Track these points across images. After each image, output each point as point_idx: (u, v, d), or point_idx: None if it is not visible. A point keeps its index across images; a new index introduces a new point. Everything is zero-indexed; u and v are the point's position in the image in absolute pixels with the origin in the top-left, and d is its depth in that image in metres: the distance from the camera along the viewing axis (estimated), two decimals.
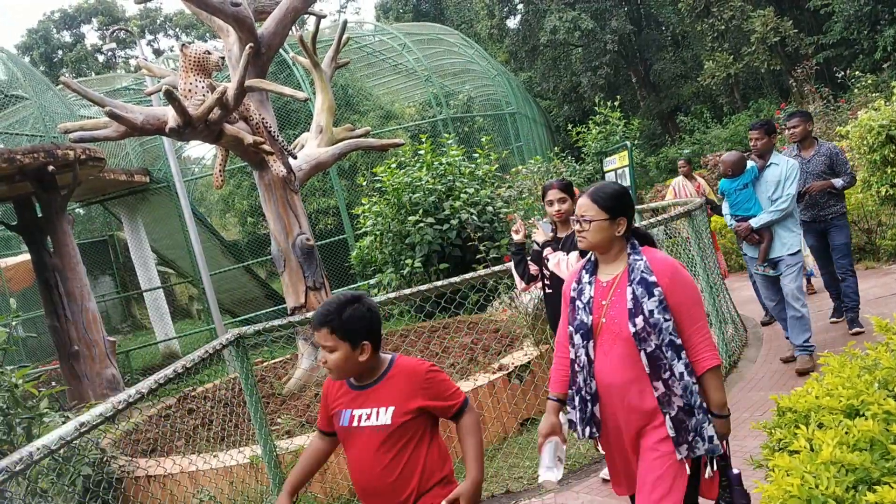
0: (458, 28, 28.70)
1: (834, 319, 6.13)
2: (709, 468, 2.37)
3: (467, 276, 4.84)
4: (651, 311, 2.35)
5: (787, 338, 5.41)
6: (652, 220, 5.60)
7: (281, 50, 8.58)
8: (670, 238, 6.22)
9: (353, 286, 12.83)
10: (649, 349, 2.34)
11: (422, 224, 8.77)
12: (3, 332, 4.66)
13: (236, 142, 6.16)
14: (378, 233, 9.46)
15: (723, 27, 20.82)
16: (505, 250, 8.47)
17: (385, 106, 17.75)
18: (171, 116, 5.54)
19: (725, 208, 5.64)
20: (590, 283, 2.55)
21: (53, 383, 8.87)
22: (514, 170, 13.10)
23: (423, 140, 9.69)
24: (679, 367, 2.34)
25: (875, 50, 18.81)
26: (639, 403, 2.37)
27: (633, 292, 2.40)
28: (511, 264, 4.45)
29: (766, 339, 6.35)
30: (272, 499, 4.54)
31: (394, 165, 9.53)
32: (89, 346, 8.41)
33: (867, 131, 6.94)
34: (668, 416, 2.32)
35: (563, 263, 3.82)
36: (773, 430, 2.31)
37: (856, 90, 15.63)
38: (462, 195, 9.10)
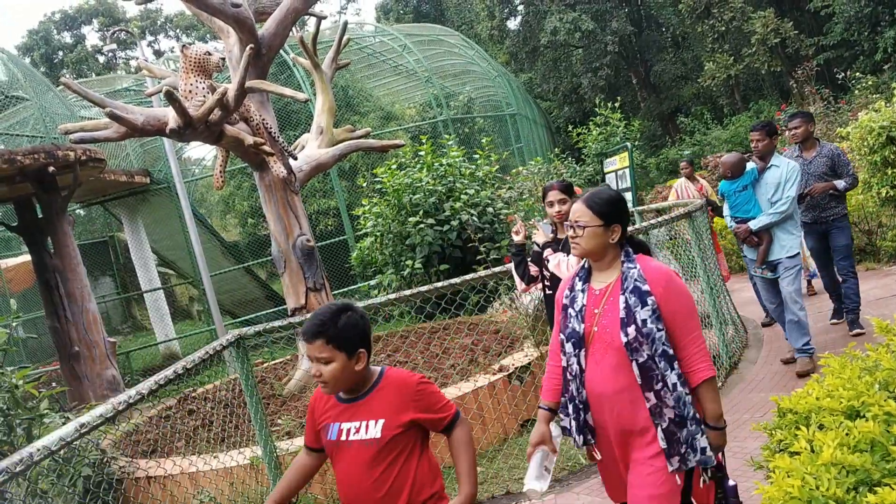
0: (459, 29, 28.71)
1: (834, 321, 6.12)
2: (703, 476, 2.34)
3: (467, 277, 4.83)
4: (644, 321, 2.30)
5: (788, 339, 5.40)
6: (652, 222, 5.60)
7: (281, 51, 8.59)
8: (672, 239, 6.23)
9: (353, 287, 12.85)
10: (641, 359, 2.30)
11: (422, 225, 8.78)
12: (3, 332, 4.66)
13: (237, 143, 6.16)
14: (378, 234, 9.47)
15: (723, 28, 20.83)
16: (505, 251, 8.48)
17: (385, 107, 17.76)
18: (171, 117, 5.55)
19: (726, 210, 5.64)
20: (582, 290, 2.50)
21: (54, 384, 8.88)
22: (514, 171, 13.11)
23: (424, 141, 9.70)
24: (672, 378, 2.29)
25: (875, 51, 18.82)
26: (630, 414, 2.33)
27: (626, 301, 2.35)
28: (511, 265, 4.46)
29: (766, 340, 6.35)
30: None
31: (394, 167, 9.54)
32: (90, 346, 8.41)
33: (867, 132, 6.95)
34: (659, 428, 2.28)
35: (564, 264, 3.82)
36: (773, 432, 2.31)
37: (856, 91, 15.64)
38: (462, 196, 9.11)
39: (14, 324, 4.83)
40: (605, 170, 14.35)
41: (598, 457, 2.51)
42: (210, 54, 5.91)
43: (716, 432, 2.35)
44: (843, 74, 21.98)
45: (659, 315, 2.32)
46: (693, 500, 2.35)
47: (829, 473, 1.75)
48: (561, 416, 2.54)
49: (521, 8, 27.49)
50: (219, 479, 4.73)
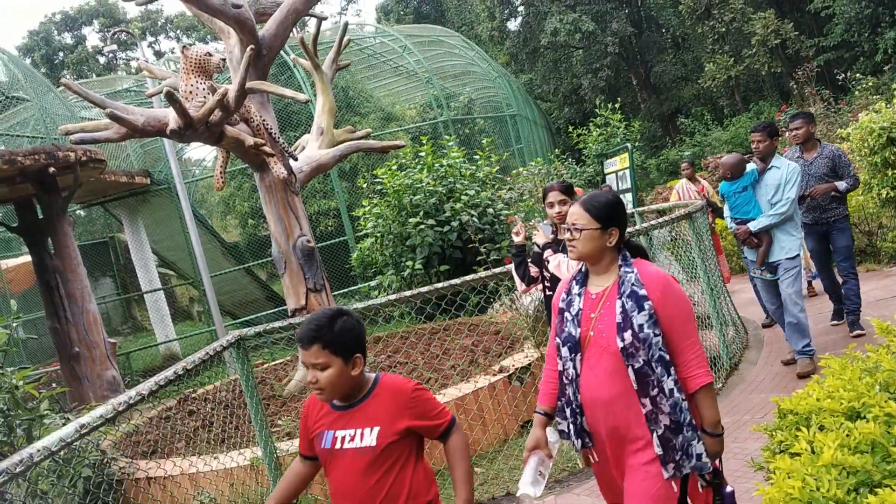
0: (459, 30, 28.72)
1: (835, 322, 6.12)
2: (700, 481, 2.32)
3: (468, 277, 4.83)
4: (641, 326, 2.28)
5: (788, 341, 5.40)
6: (653, 223, 5.60)
7: (282, 52, 8.59)
8: (674, 240, 6.23)
9: (353, 288, 12.86)
10: (637, 365, 2.27)
11: (422, 226, 8.78)
12: (3, 333, 4.66)
13: (237, 143, 6.17)
14: (379, 235, 9.47)
15: (723, 29, 20.84)
16: (505, 252, 8.48)
17: (386, 108, 17.78)
18: (171, 118, 5.55)
19: (726, 211, 5.64)
20: (579, 294, 2.48)
21: (54, 385, 8.89)
22: (514, 172, 13.11)
23: (424, 142, 9.70)
24: (668, 384, 2.27)
25: (876, 52, 18.83)
26: (625, 420, 2.31)
27: (623, 305, 2.33)
28: (511, 266, 4.45)
29: (766, 341, 6.35)
30: None
31: (394, 167, 9.54)
32: (90, 347, 8.41)
33: (868, 133, 6.94)
34: (655, 434, 2.26)
35: (564, 265, 3.82)
36: (774, 433, 2.31)
37: (856, 92, 15.64)
38: (463, 197, 9.11)
39: (14, 324, 4.83)
40: (606, 171, 14.36)
41: (595, 459, 2.49)
42: (211, 55, 5.91)
43: (713, 439, 2.33)
44: (843, 75, 21.98)
45: (656, 320, 2.30)
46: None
47: (829, 475, 1.75)
48: (559, 419, 2.52)
49: (521, 9, 27.51)
50: (219, 479, 4.73)
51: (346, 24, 8.04)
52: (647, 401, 2.27)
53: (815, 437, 1.92)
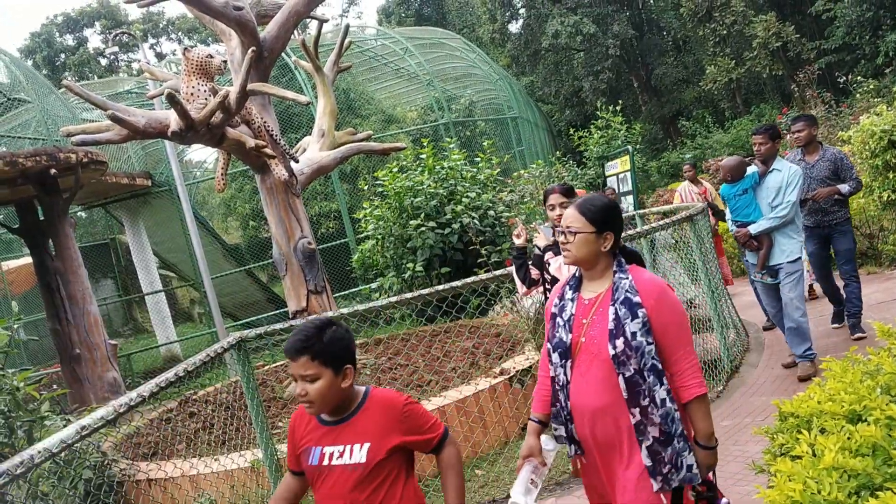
0: (460, 32, 28.77)
1: (835, 325, 6.11)
2: (690, 494, 2.27)
3: (469, 280, 4.83)
4: (633, 334, 2.23)
5: (789, 345, 5.39)
6: (654, 225, 5.60)
7: (283, 54, 8.60)
8: (676, 242, 6.23)
9: (354, 290, 12.87)
10: (628, 373, 2.22)
11: (423, 228, 8.78)
12: (4, 335, 4.66)
13: (238, 145, 6.17)
14: (380, 237, 9.47)
15: (725, 32, 20.87)
16: (506, 254, 8.48)
17: (387, 110, 17.81)
18: (173, 120, 5.55)
19: (728, 213, 5.63)
20: (572, 299, 2.42)
21: (55, 386, 8.89)
22: (515, 174, 13.12)
23: (425, 144, 9.71)
24: (660, 394, 2.21)
25: (877, 55, 18.84)
26: (613, 429, 2.27)
27: (616, 312, 2.27)
28: (512, 268, 4.46)
29: (767, 343, 6.34)
30: None
31: (395, 169, 9.55)
32: (91, 349, 8.41)
33: (869, 136, 6.94)
34: (643, 446, 2.21)
35: (565, 268, 3.82)
36: (775, 435, 2.30)
37: (858, 95, 15.65)
38: (464, 199, 9.11)
39: (15, 326, 4.83)
40: (607, 173, 14.38)
41: (583, 462, 2.45)
42: (212, 57, 5.92)
43: (706, 451, 2.28)
44: (844, 78, 21.98)
45: (649, 328, 2.25)
46: None
47: (830, 477, 1.75)
48: (554, 425, 2.48)
49: (522, 11, 27.55)
50: (219, 481, 4.73)
51: (348, 27, 8.05)
52: (636, 411, 2.22)
53: (817, 440, 1.92)
